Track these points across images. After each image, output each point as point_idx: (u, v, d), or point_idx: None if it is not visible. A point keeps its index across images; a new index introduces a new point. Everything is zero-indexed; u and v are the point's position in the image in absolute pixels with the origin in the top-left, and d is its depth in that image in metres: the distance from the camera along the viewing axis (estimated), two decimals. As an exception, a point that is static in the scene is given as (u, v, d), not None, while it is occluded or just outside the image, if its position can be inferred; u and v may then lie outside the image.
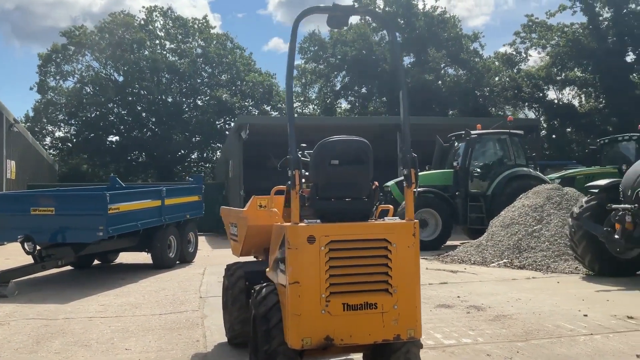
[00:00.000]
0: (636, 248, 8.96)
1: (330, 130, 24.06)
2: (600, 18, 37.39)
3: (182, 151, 40.08)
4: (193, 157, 42.12)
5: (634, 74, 37.43)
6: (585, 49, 36.37)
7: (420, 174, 16.12)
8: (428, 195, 15.00)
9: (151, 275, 10.93)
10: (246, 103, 40.55)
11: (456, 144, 16.57)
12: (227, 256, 14.10)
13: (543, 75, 37.12)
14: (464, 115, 32.17)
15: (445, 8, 44.51)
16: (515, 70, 38.46)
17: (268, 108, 41.39)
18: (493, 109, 37.37)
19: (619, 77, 35.47)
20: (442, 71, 33.63)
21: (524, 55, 39.29)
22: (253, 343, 4.50)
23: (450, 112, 33.42)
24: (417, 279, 3.96)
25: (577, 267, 10.24)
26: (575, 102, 40.21)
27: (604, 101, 37.02)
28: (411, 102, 31.02)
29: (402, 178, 16.38)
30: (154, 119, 38.62)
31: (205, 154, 42.64)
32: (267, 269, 4.61)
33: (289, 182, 4.85)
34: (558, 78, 38.79)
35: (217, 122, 39.67)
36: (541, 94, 38.23)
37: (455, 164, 15.71)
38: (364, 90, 34.40)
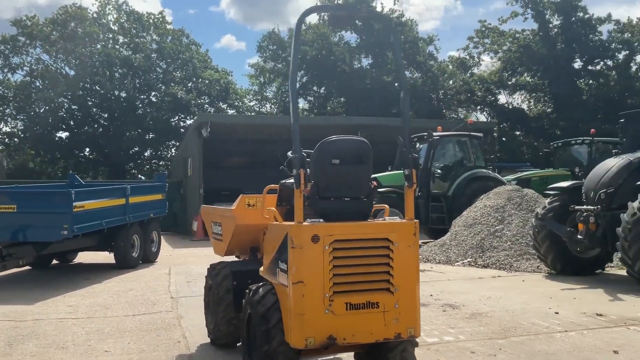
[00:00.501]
0: (598, 248, 9.31)
1: (289, 129, 24.18)
2: (550, 25, 38.73)
3: (135, 148, 39.14)
4: (146, 154, 41.20)
5: (581, 80, 38.96)
6: (535, 55, 37.60)
7: (383, 174, 16.44)
8: (391, 195, 15.12)
9: (115, 275, 10.65)
10: (202, 100, 39.95)
11: (418, 145, 16.83)
12: (190, 256, 14.01)
13: (495, 79, 38.16)
14: (419, 117, 32.71)
15: (402, 11, 45.18)
16: (468, 75, 39.37)
17: (224, 106, 40.94)
18: (447, 111, 38.15)
19: (566, 82, 36.82)
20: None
21: (477, 60, 40.33)
22: (247, 343, 4.47)
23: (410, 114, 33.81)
24: (416, 278, 4.01)
25: (538, 266, 10.57)
26: (525, 106, 41.58)
27: (552, 106, 38.35)
28: (370, 103, 31.50)
29: (377, 175, 16.28)
30: (106, 115, 37.58)
31: (159, 152, 41.79)
32: (261, 269, 4.57)
33: (283, 181, 4.86)
34: (509, 83, 39.97)
35: (172, 120, 38.94)
36: (493, 98, 39.28)
37: (420, 164, 15.96)
38: (322, 90, 34.48)
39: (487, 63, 42.66)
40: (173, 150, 41.13)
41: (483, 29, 39.95)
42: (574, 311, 6.98)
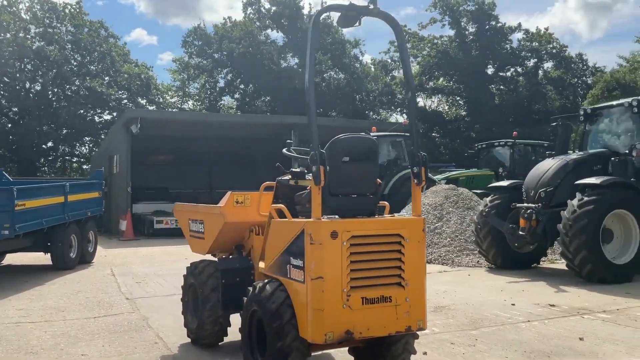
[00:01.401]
0: (538, 243, 9.93)
1: (219, 126, 23.57)
2: (466, 32, 40.58)
3: (49, 144, 37.06)
4: (60, 151, 39.09)
5: (492, 86, 41.11)
6: (452, 61, 39.29)
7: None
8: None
9: (55, 276, 10.14)
10: (119, 95, 38.46)
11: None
12: (127, 256, 13.54)
13: (415, 83, 39.48)
14: (344, 117, 33.25)
15: (330, 14, 45.51)
16: (389, 77, 40.48)
17: (144, 102, 39.62)
18: (370, 112, 39.04)
19: (480, 88, 38.77)
20: (327, 74, 34.51)
21: (398, 63, 41.48)
22: (249, 341, 4.44)
23: (333, 114, 34.36)
24: (424, 272, 4.16)
25: (478, 261, 11.12)
26: (443, 109, 43.32)
27: (467, 109, 40.22)
28: (300, 104, 31.55)
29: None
30: (16, 109, 35.33)
31: (75, 149, 39.80)
32: (261, 266, 4.56)
33: (279, 178, 4.88)
34: (427, 86, 41.51)
35: (88, 115, 37.22)
36: (414, 100, 40.56)
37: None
38: (250, 88, 34.22)
39: (414, 67, 43.96)
40: (89, 146, 39.37)
41: (404, 33, 41.29)
42: (527, 302, 7.43)
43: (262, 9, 35.47)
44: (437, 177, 18.07)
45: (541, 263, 10.96)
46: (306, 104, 4.03)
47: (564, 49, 40.83)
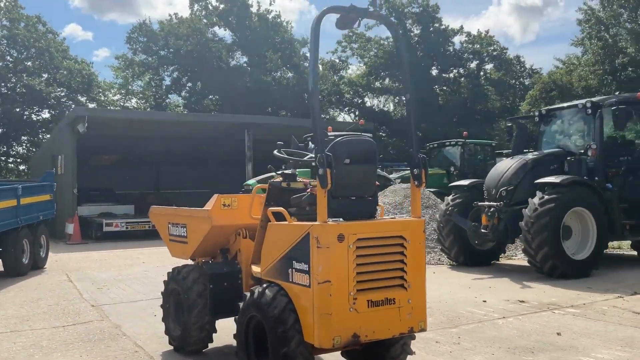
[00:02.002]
0: (500, 240, 10.21)
1: (169, 125, 23.04)
2: (411, 34, 41.34)
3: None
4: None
5: (436, 87, 42.09)
6: (398, 62, 39.90)
7: (277, 173, 16.43)
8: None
9: (9, 284, 9.68)
10: (60, 93, 36.97)
11: (310, 144, 17.15)
12: (80, 261, 13.03)
13: (364, 83, 39.91)
14: (293, 117, 33.21)
15: (279, 12, 45.51)
16: (337, 77, 40.75)
17: (84, 99, 38.28)
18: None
19: (425, 88, 39.60)
20: (278, 73, 34.35)
21: (346, 63, 41.91)
22: (246, 347, 4.36)
23: (283, 113, 34.24)
24: (424, 273, 4.19)
25: (440, 259, 11.34)
26: (389, 109, 43.99)
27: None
28: (250, 102, 31.34)
29: (263, 176, 16.52)
30: (-56, 107, 33.48)
31: (11, 149, 37.97)
32: (257, 270, 4.48)
33: (272, 181, 4.81)
34: (373, 87, 42.05)
35: (25, 113, 35.59)
36: (361, 101, 41.06)
37: (314, 163, 16.23)
38: (198, 86, 33.59)
39: (356, 67, 44.48)
40: (26, 146, 37.67)
41: (350, 34, 41.64)
42: (497, 299, 7.63)
43: (209, 6, 34.91)
44: (392, 177, 18.30)
45: (500, 260, 11.28)
46: (310, 106, 3.98)
47: (504, 51, 42.27)
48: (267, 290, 4.14)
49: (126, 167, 27.98)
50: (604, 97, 10.68)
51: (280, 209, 4.28)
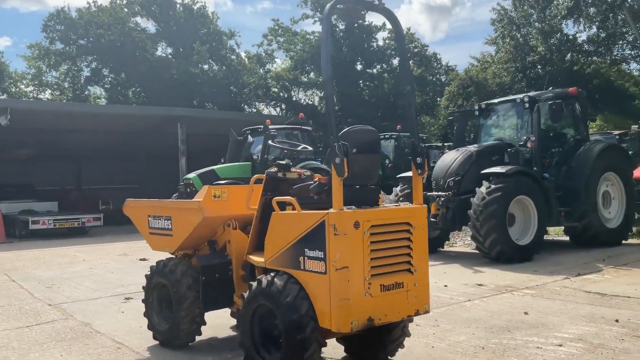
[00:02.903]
0: (449, 228, 10.68)
1: (93, 118, 22.09)
2: (337, 29, 41.79)
3: None
4: None
5: (361, 81, 42.85)
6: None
7: (220, 167, 16.31)
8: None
9: (-56, 286, 9.01)
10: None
11: (250, 137, 17.09)
12: (14, 260, 12.44)
13: (291, 77, 39.98)
14: (220, 109, 32.75)
15: (205, 2, 44.50)
16: (264, 71, 40.59)
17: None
18: (246, 105, 38.90)
19: (351, 83, 40.25)
20: (205, 66, 33.70)
21: (272, 57, 41.79)
22: (251, 337, 4.37)
23: (209, 106, 33.62)
24: (427, 258, 4.38)
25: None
26: (314, 103, 44.27)
27: (339, 104, 41.48)
28: (176, 95, 30.56)
29: (203, 170, 16.39)
30: None
31: None
32: (263, 259, 4.48)
33: (268, 170, 4.85)
34: (300, 80, 42.20)
35: None
36: (287, 95, 41.10)
37: (255, 157, 16.23)
38: (122, 77, 32.29)
39: (282, 61, 44.43)
40: None
41: (276, 27, 41.60)
42: (457, 283, 8.01)
43: (128, -6, 33.63)
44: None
45: (444, 247, 11.79)
46: (325, 96, 4.05)
47: (425, 48, 43.68)
48: (276, 279, 4.18)
49: (46, 162, 26.54)
50: (540, 92, 11.39)
51: (290, 198, 4.32)
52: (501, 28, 45.54)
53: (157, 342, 5.45)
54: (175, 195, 16.74)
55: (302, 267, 4.11)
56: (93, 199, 23.31)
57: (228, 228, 5.20)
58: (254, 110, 38.58)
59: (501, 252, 9.50)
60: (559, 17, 42.30)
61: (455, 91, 41.78)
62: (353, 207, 4.09)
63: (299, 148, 5.27)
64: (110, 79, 33.16)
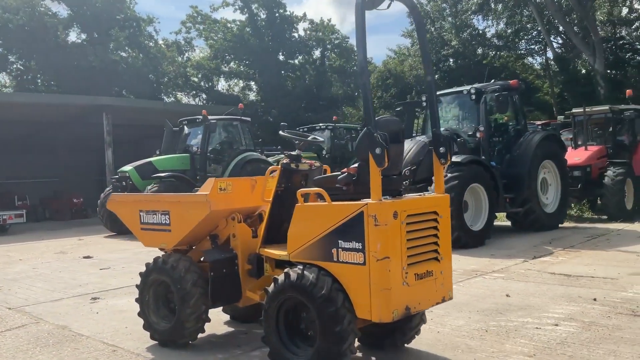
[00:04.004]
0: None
1: (22, 107, 20.55)
2: (258, 19, 41.33)
3: None
4: None
5: (284, 72, 42.70)
6: (247, 46, 39.75)
7: (158, 159, 15.79)
8: (172, 181, 14.72)
9: None
10: None
11: (186, 128, 16.61)
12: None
13: (213, 66, 39.11)
14: (139, 98, 31.46)
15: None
16: (184, 59, 39.44)
17: None
18: (166, 95, 37.66)
19: (274, 74, 39.99)
20: (124, 53, 32.12)
21: (192, 45, 40.65)
22: (277, 333, 4.29)
23: (130, 96, 32.16)
24: (450, 246, 4.46)
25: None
26: (236, 93, 43.60)
27: (262, 94, 41.15)
28: (93, 84, 28.90)
29: (140, 162, 15.92)
30: None
31: None
32: (286, 253, 4.38)
33: (282, 161, 4.76)
34: (223, 70, 41.40)
35: None
36: (210, 84, 40.20)
37: (195, 148, 15.79)
38: (33, 64, 30.04)
39: (202, 49, 43.30)
40: None
41: (195, 14, 40.49)
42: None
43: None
44: (271, 161, 18.36)
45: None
46: (361, 84, 4.01)
47: (346, 39, 44.16)
48: (306, 272, 4.11)
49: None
50: (485, 84, 11.86)
51: (320, 189, 4.24)
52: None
53: (154, 342, 5.21)
54: (108, 189, 15.99)
55: (335, 259, 4.07)
56: (8, 195, 21.72)
57: (233, 221, 5.05)
58: (172, 99, 37.40)
59: (458, 237, 9.84)
60: (469, 13, 44.16)
61: (374, 83, 42.64)
62: (387, 197, 4.10)
63: (309, 138, 5.19)
64: (18, 65, 30.88)
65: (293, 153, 4.90)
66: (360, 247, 3.92)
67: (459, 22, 44.41)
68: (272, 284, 4.29)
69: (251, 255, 5.06)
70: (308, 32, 43.62)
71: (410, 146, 11.01)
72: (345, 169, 4.43)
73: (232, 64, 41.84)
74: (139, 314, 5.34)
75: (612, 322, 5.34)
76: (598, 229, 11.85)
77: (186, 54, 40.17)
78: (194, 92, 40.36)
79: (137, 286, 5.36)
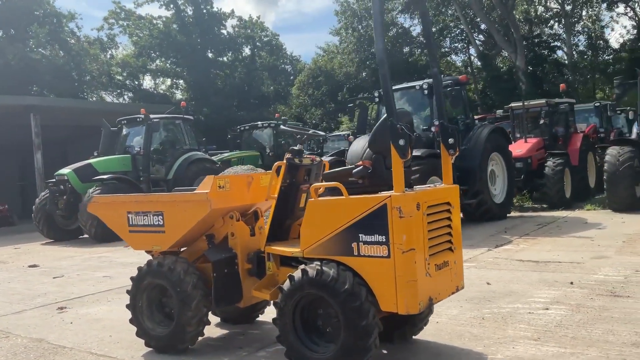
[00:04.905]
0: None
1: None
2: (185, 15, 40.40)
3: None
4: None
5: (214, 70, 41.96)
6: (174, 42, 38.76)
7: (97, 160, 15.16)
8: (115, 183, 14.11)
9: None
10: None
11: (125, 128, 15.98)
12: None
13: (139, 64, 37.84)
14: (60, 97, 29.93)
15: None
16: (108, 56, 37.93)
17: None
18: (90, 94, 36.05)
19: (203, 71, 39.22)
20: (45, 50, 30.40)
21: (115, 42, 39.17)
22: (295, 333, 4.19)
23: (50, 95, 30.52)
24: (461, 236, 4.51)
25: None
26: (163, 91, 42.44)
27: (192, 93, 40.26)
28: (11, 84, 27.12)
29: (79, 165, 15.29)
30: None
31: None
32: (304, 249, 4.26)
33: (287, 156, 4.67)
34: (149, 67, 40.15)
35: None
36: (135, 82, 38.87)
37: (138, 148, 15.20)
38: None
39: (126, 46, 41.76)
40: None
41: (118, 10, 39.06)
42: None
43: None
44: (214, 159, 18.00)
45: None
46: (381, 75, 3.96)
47: (276, 37, 44.01)
48: (325, 268, 4.03)
49: None
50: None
51: (338, 184, 4.16)
52: (344, 19, 47.39)
53: (149, 350, 4.96)
54: (44, 194, 15.09)
55: (355, 253, 4.01)
56: None
57: (231, 220, 4.88)
58: (95, 98, 35.87)
59: (420, 230, 9.99)
60: (395, 12, 45.14)
61: (305, 80, 42.75)
62: (407, 189, 4.08)
63: (309, 132, 5.10)
64: None
65: (295, 148, 4.80)
66: (384, 240, 3.88)
67: (386, 20, 45.23)
68: (288, 282, 4.18)
69: (250, 253, 4.93)
70: (237, 29, 43.13)
71: (364, 142, 11.08)
72: (360, 162, 4.39)
73: (157, 61, 40.71)
74: (131, 321, 5.06)
75: (597, 303, 5.59)
76: (544, 217, 12.41)
77: (109, 52, 38.65)
78: (119, 90, 38.92)
79: (127, 292, 5.08)
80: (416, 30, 46.60)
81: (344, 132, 25.61)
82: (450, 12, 42.88)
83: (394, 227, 3.84)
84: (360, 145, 11.18)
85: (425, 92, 11.64)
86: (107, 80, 37.08)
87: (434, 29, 44.92)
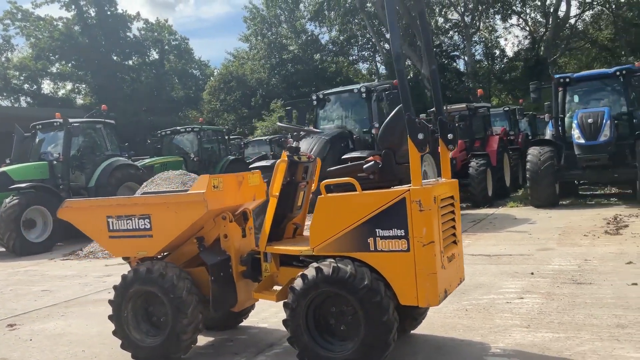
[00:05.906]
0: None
1: None
2: (88, 16, 38.45)
3: None
4: None
5: (120, 74, 40.25)
6: (77, 45, 36.79)
7: (13, 168, 14.15)
8: (32, 192, 13.15)
9: None
10: None
11: (40, 134, 14.96)
12: None
13: (39, 67, 35.53)
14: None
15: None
16: (3, 59, 35.31)
17: None
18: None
19: (109, 75, 37.51)
20: None
21: (11, 44, 36.53)
22: (308, 332, 4.10)
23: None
24: (461, 229, 4.62)
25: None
26: (65, 95, 40.09)
27: (97, 97, 38.30)
28: None
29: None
30: None
31: None
32: (315, 246, 4.17)
33: (289, 154, 4.59)
34: (50, 71, 37.83)
35: None
36: (35, 87, 36.46)
37: (57, 154, 14.23)
38: None
39: (24, 49, 39.06)
40: None
41: (15, 11, 36.49)
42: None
43: None
44: (138, 164, 17.20)
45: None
46: (397, 71, 3.97)
47: (186, 41, 43.00)
48: (340, 265, 3.99)
49: None
50: (374, 83, 12.35)
51: (351, 179, 4.12)
52: (254, 26, 47.23)
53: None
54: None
55: (372, 249, 3.99)
56: None
57: (224, 221, 4.71)
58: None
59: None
60: (304, 20, 45.62)
61: (217, 85, 42.12)
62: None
63: (305, 128, 5.01)
64: None
65: (293, 146, 4.71)
66: (403, 234, 3.89)
67: (295, 28, 45.56)
68: (300, 281, 4.09)
69: (243, 255, 4.79)
70: (143, 32, 41.71)
71: (313, 142, 11.08)
72: (370, 158, 4.38)
73: (57, 64, 38.47)
74: (114, 333, 4.72)
75: (565, 291, 5.92)
76: (474, 214, 12.97)
77: (5, 54, 36.03)
78: (16, 95, 36.33)
79: (110, 302, 4.73)
80: (325, 37, 47.30)
81: (265, 137, 25.49)
82: (357, 21, 43.93)
83: (413, 221, 3.86)
84: (308, 146, 11.13)
85: (363, 95, 11.80)
86: (3, 84, 34.51)
87: (341, 38, 45.92)
